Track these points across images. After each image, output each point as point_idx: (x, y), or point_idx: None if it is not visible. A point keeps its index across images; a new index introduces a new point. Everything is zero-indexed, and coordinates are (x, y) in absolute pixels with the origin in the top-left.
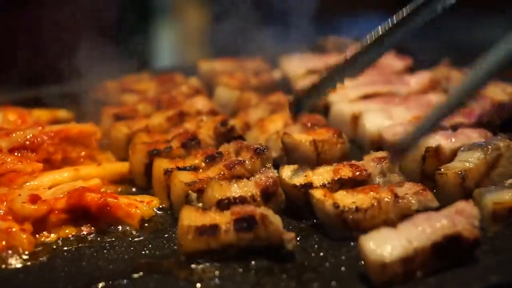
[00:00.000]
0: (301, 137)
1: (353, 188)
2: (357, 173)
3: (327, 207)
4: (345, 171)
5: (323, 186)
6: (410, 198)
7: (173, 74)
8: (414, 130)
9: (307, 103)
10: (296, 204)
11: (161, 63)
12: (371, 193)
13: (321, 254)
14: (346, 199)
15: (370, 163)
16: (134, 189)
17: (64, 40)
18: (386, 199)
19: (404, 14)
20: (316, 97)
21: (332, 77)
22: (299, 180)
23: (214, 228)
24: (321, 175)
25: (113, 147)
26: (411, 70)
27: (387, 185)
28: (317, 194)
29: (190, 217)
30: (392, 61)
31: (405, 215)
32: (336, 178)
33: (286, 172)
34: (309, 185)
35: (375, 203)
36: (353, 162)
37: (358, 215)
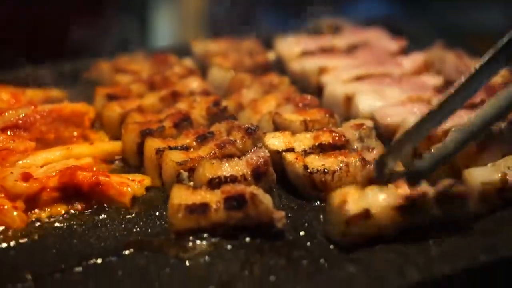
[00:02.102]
0: (292, 117)
1: None
2: (336, 138)
3: (298, 169)
4: (325, 137)
5: (304, 151)
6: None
7: (167, 54)
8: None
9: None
10: (288, 180)
11: (158, 44)
12: (341, 157)
13: (311, 232)
14: (316, 162)
15: (349, 129)
16: (126, 168)
17: (59, 18)
18: (354, 162)
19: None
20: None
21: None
22: (281, 146)
23: (204, 207)
24: (302, 141)
25: (106, 127)
26: (405, 51)
27: (363, 150)
28: (289, 157)
29: (181, 196)
30: (386, 43)
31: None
32: (316, 144)
33: (269, 139)
34: (291, 150)
35: (343, 166)
36: (333, 128)
37: (326, 177)
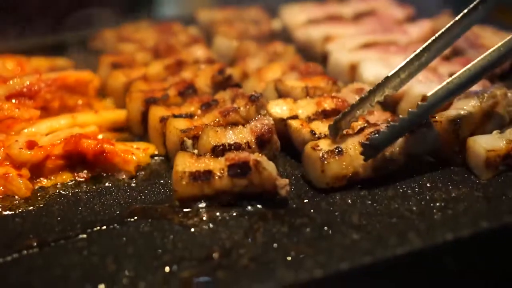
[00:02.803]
0: (294, 83)
1: None
2: (339, 104)
3: (305, 135)
4: (327, 103)
5: (308, 118)
6: (381, 124)
7: (171, 23)
8: (388, 131)
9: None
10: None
11: (164, 12)
12: None
13: (315, 199)
14: (321, 127)
15: (349, 94)
16: (130, 137)
17: None
18: (359, 125)
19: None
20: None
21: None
22: (285, 113)
23: (208, 174)
24: (305, 107)
25: (110, 95)
26: (412, 19)
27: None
28: (295, 123)
29: (185, 163)
30: (392, 10)
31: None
32: (320, 110)
33: (272, 106)
34: (295, 118)
35: (349, 130)
36: (334, 94)
37: None
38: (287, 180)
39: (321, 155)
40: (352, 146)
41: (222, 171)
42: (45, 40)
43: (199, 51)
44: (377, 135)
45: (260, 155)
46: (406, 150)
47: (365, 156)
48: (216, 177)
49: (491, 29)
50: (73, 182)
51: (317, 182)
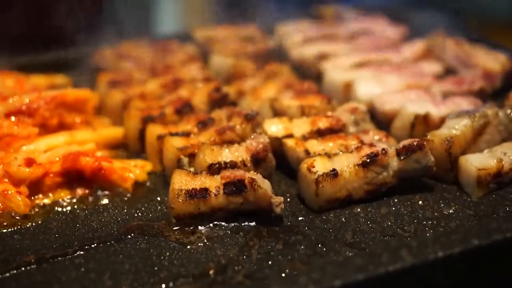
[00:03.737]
0: (289, 102)
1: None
2: (334, 123)
3: (299, 154)
4: (322, 122)
5: (303, 136)
6: (375, 144)
7: (169, 41)
8: None
9: None
10: (287, 165)
11: (161, 31)
12: (340, 140)
13: (310, 217)
14: (316, 146)
15: (344, 113)
16: (127, 154)
17: (63, 5)
18: (353, 145)
19: None
20: None
21: None
22: (280, 132)
23: (204, 192)
24: (300, 126)
25: (108, 113)
26: (405, 38)
27: (359, 133)
28: (290, 142)
29: (181, 181)
30: (386, 30)
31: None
32: (314, 129)
33: (268, 125)
34: (290, 136)
35: (343, 149)
36: (329, 113)
37: None
38: (281, 198)
39: (316, 178)
40: (347, 168)
41: (218, 189)
42: (44, 57)
43: (196, 70)
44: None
45: (255, 173)
46: (400, 174)
47: None
48: (212, 195)
49: (484, 49)
50: (71, 199)
51: (310, 203)
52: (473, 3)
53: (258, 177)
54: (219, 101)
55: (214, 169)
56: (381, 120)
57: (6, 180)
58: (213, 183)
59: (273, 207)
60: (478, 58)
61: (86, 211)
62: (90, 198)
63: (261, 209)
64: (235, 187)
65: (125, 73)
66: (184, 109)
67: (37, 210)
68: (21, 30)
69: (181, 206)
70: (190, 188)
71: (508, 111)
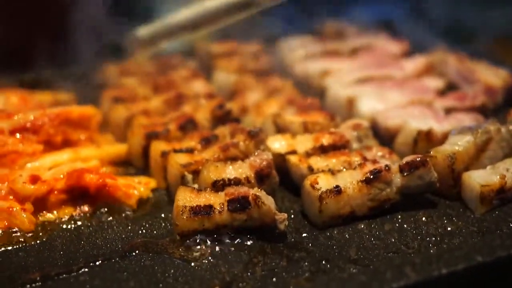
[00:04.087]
0: (292, 119)
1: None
2: (337, 139)
3: (303, 170)
4: (325, 138)
5: (306, 153)
6: (378, 160)
7: (172, 56)
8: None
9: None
10: (292, 181)
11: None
12: (343, 157)
13: (314, 233)
14: (319, 162)
15: (347, 130)
16: (132, 171)
17: (66, 22)
18: (356, 161)
19: None
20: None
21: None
22: (283, 148)
23: (208, 209)
24: (303, 143)
25: (112, 129)
26: (407, 54)
27: (362, 149)
28: (293, 159)
29: (185, 198)
30: (388, 45)
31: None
32: (317, 145)
33: (271, 141)
34: (293, 153)
35: (346, 165)
36: (332, 129)
37: None
38: (285, 215)
39: (319, 194)
40: (351, 184)
41: (222, 206)
42: (47, 73)
43: (199, 86)
44: None
45: (259, 190)
46: (403, 191)
47: None
48: (216, 212)
49: (486, 64)
50: (75, 216)
51: (314, 219)
52: (473, 17)
53: (262, 194)
54: (222, 117)
55: (218, 185)
56: (384, 136)
57: (11, 197)
58: (217, 200)
59: (277, 224)
60: (479, 74)
61: (91, 228)
62: (95, 215)
63: (265, 226)
64: (239, 203)
65: (129, 89)
66: (187, 125)
67: (41, 227)
68: (25, 48)
69: (186, 223)
70: (194, 205)
71: (510, 127)
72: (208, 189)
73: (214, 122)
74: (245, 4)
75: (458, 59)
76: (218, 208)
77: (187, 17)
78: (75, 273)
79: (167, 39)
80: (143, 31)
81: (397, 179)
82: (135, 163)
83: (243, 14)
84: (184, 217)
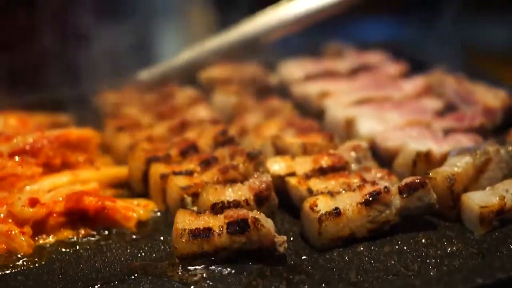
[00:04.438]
0: (291, 140)
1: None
2: (336, 161)
3: (302, 192)
4: (325, 160)
5: (306, 175)
6: (377, 182)
7: (168, 85)
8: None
9: None
10: (291, 203)
11: None
12: (342, 179)
13: (313, 256)
14: (319, 184)
15: (346, 151)
16: (131, 194)
17: (64, 44)
18: (355, 183)
19: None
20: None
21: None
22: (283, 170)
23: (207, 231)
24: (302, 164)
25: (116, 157)
26: (406, 74)
27: (361, 171)
28: (292, 181)
29: (185, 220)
30: (387, 66)
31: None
32: (317, 167)
33: (271, 163)
34: (292, 174)
35: (346, 187)
36: (331, 151)
37: None
38: (285, 237)
39: (318, 216)
40: (350, 206)
41: (221, 229)
42: (46, 96)
43: (203, 111)
44: None
45: (258, 212)
46: (402, 212)
47: None
48: (216, 235)
49: (484, 85)
50: (74, 239)
51: (313, 242)
52: (472, 35)
53: (261, 216)
54: (224, 143)
55: (217, 208)
56: (383, 157)
57: (10, 220)
58: (217, 222)
59: (276, 246)
60: (478, 94)
61: (90, 251)
62: (94, 238)
63: (264, 248)
64: (238, 226)
65: (132, 118)
66: (189, 150)
67: (40, 250)
68: (23, 70)
69: (185, 246)
70: (194, 227)
71: (509, 148)
72: (207, 211)
73: (215, 147)
74: (248, 44)
75: (456, 80)
76: (217, 231)
77: (189, 60)
78: None
79: (168, 81)
80: (145, 74)
81: (397, 201)
82: (135, 187)
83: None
84: (183, 240)
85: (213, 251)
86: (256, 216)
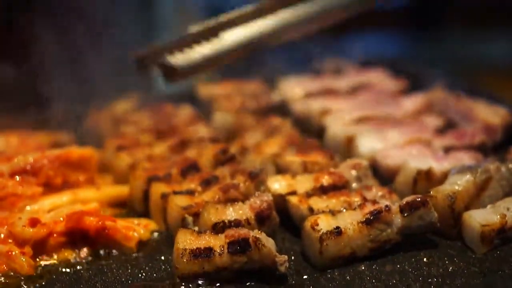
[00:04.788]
0: (292, 159)
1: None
2: (337, 179)
3: (303, 211)
4: (325, 178)
5: (307, 194)
6: (378, 200)
7: (164, 105)
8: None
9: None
10: (292, 221)
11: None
12: (343, 197)
13: (314, 275)
14: (319, 203)
15: (347, 169)
16: (131, 213)
17: (63, 63)
18: (356, 202)
19: None
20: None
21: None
22: (283, 189)
23: (208, 251)
24: (303, 183)
25: (116, 177)
26: (406, 92)
27: (362, 189)
28: (293, 199)
29: (186, 240)
30: (387, 83)
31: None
32: (317, 186)
33: (272, 182)
34: (293, 193)
35: (346, 206)
36: (331, 170)
37: None
38: (286, 257)
39: (319, 236)
40: (351, 225)
41: (222, 248)
42: (45, 114)
43: (202, 130)
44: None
45: (259, 232)
46: (403, 231)
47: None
48: (217, 254)
49: (484, 102)
50: (74, 259)
51: (314, 261)
52: (471, 52)
53: (262, 236)
54: (225, 161)
55: (218, 227)
56: (384, 175)
57: (10, 240)
58: (217, 242)
59: (277, 266)
60: (478, 112)
61: (90, 271)
62: (94, 258)
63: (265, 268)
64: (239, 246)
65: (131, 137)
66: (189, 170)
67: (40, 271)
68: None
69: (186, 266)
70: (195, 247)
71: (510, 165)
72: (208, 231)
73: (215, 165)
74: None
75: (456, 97)
76: (218, 251)
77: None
78: None
79: (207, 69)
80: (180, 60)
81: (398, 220)
82: (135, 207)
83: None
84: (184, 260)
85: (214, 271)
86: (257, 236)
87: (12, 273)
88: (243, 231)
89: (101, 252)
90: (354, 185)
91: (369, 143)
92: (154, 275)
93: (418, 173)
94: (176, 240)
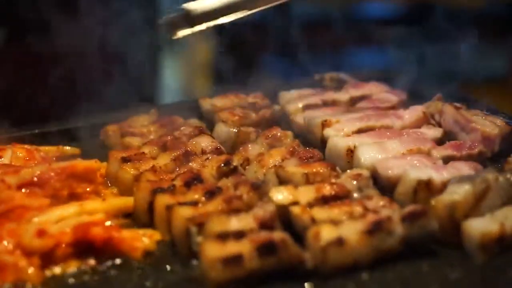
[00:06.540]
0: (294, 170)
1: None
2: (338, 190)
3: (305, 221)
4: (327, 189)
5: (309, 204)
6: (379, 210)
7: (172, 116)
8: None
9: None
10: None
11: (167, 98)
12: (344, 207)
13: (317, 284)
14: (322, 213)
15: (348, 180)
16: (136, 224)
17: (69, 75)
18: (357, 211)
19: None
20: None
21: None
22: (286, 200)
23: (238, 257)
24: (305, 194)
25: (121, 189)
26: (405, 103)
27: (363, 199)
28: (295, 210)
29: (213, 250)
30: (386, 96)
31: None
32: (319, 196)
33: (274, 193)
34: (296, 204)
35: (348, 216)
36: (333, 180)
37: None
38: (309, 254)
39: (321, 245)
40: (353, 235)
41: (251, 253)
42: (52, 127)
43: (206, 142)
44: None
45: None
46: (405, 240)
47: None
48: (246, 259)
49: (482, 113)
50: (81, 269)
51: (317, 270)
52: (469, 64)
53: (286, 236)
54: (228, 173)
55: (223, 238)
56: (384, 185)
57: (18, 251)
58: (244, 247)
59: (305, 263)
60: (476, 123)
61: (97, 282)
62: (101, 269)
63: (291, 267)
64: (267, 248)
65: (135, 149)
66: (193, 182)
67: (48, 281)
68: (30, 101)
69: (219, 275)
70: (225, 255)
71: (508, 175)
72: (230, 238)
73: (219, 177)
74: None
75: (454, 108)
76: (248, 256)
77: None
78: None
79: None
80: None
81: (399, 229)
82: (140, 218)
83: None
84: (217, 269)
85: (245, 276)
86: (282, 236)
87: (20, 284)
88: (264, 234)
89: (108, 262)
90: (355, 195)
91: (370, 154)
92: (160, 283)
93: (418, 183)
94: (203, 251)
